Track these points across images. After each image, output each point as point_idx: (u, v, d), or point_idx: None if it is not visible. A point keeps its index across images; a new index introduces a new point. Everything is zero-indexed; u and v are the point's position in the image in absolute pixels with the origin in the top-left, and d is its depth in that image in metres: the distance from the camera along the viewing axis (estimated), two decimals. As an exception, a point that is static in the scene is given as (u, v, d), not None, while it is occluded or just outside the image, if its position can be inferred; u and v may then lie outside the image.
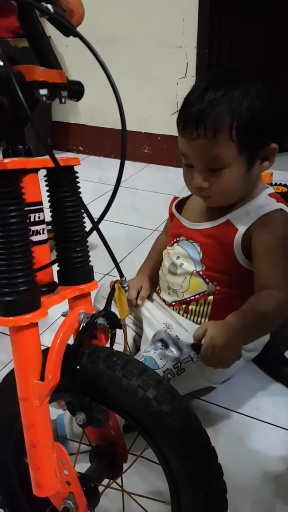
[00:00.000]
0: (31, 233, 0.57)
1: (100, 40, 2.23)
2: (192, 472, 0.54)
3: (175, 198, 1.11)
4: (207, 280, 0.99)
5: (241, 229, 0.92)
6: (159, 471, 0.59)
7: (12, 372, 0.62)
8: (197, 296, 1.00)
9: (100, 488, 0.66)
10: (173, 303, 1.05)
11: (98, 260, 0.63)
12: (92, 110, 2.53)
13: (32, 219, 0.58)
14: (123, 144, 0.55)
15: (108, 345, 0.64)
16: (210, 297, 0.99)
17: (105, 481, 0.69)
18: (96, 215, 0.57)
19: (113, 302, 0.65)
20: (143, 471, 0.85)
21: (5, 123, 0.55)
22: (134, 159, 2.52)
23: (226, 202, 0.95)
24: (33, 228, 0.58)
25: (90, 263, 0.64)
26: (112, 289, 0.66)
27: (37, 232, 0.59)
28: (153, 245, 1.23)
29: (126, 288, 0.66)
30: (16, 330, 0.55)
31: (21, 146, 0.56)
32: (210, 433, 0.59)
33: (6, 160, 0.51)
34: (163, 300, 1.08)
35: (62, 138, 2.68)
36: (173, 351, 0.96)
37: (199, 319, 1.02)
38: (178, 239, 1.04)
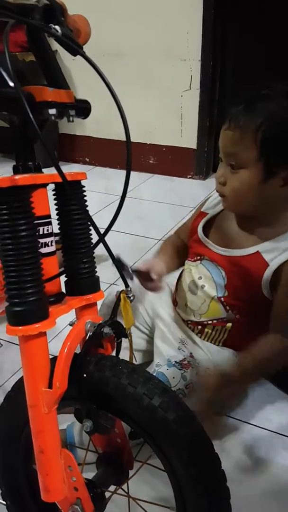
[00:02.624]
0: (40, 245, 0.59)
1: (105, 54, 2.27)
2: (196, 478, 0.56)
3: (202, 213, 1.06)
4: (228, 307, 0.97)
5: (272, 266, 0.90)
6: (164, 477, 0.60)
7: (21, 380, 0.64)
8: (214, 321, 0.99)
9: (107, 494, 0.67)
10: (189, 322, 1.04)
11: (104, 269, 0.65)
12: (98, 123, 2.57)
13: (41, 232, 0.60)
14: (128, 158, 0.57)
15: (113, 354, 0.66)
16: (229, 325, 0.98)
17: (111, 488, 0.70)
18: (102, 224, 0.59)
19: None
20: (148, 477, 0.86)
21: (16, 140, 0.58)
22: (139, 170, 2.55)
23: (237, 209, 0.94)
24: (42, 240, 0.60)
25: (96, 274, 0.66)
26: (118, 299, 0.67)
27: (46, 244, 0.61)
28: (165, 243, 1.16)
29: (132, 298, 0.68)
30: (25, 339, 0.57)
31: (30, 163, 0.58)
32: (215, 441, 0.60)
33: (17, 177, 0.53)
34: (178, 314, 1.07)
35: (68, 149, 2.72)
36: (187, 375, 0.95)
37: (214, 342, 1.02)
38: (202, 257, 1.01)
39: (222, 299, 0.97)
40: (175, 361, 0.98)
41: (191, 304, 1.02)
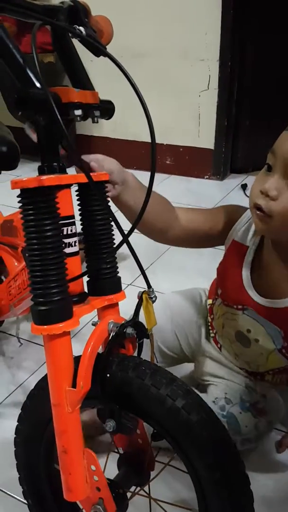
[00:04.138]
0: (64, 245, 0.59)
1: (124, 55, 2.27)
2: (220, 481, 0.55)
3: (238, 244, 0.85)
4: None
5: None
6: (185, 479, 0.60)
7: (43, 379, 0.64)
8: (276, 370, 0.89)
9: (128, 495, 0.67)
10: (244, 370, 0.93)
11: (121, 270, 0.65)
12: (115, 123, 2.57)
13: (65, 232, 0.60)
14: (152, 160, 0.57)
15: (135, 354, 0.66)
16: None
17: (131, 488, 0.70)
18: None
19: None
20: (168, 478, 0.86)
21: (41, 141, 0.58)
22: (156, 170, 2.54)
23: (281, 235, 0.76)
24: (66, 240, 0.61)
25: (118, 274, 0.67)
26: (140, 299, 0.67)
27: (70, 245, 0.62)
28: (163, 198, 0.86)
29: (154, 299, 0.67)
30: (50, 338, 0.57)
31: (55, 163, 0.59)
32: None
33: (43, 177, 0.53)
34: (228, 360, 0.96)
35: (86, 150, 2.72)
36: (261, 425, 0.88)
37: (275, 385, 0.93)
38: (244, 306, 0.85)
39: (283, 350, 0.84)
40: (250, 403, 0.89)
41: (244, 356, 0.90)
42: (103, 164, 0.69)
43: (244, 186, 2.32)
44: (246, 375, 0.94)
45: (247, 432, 0.87)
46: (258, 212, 0.73)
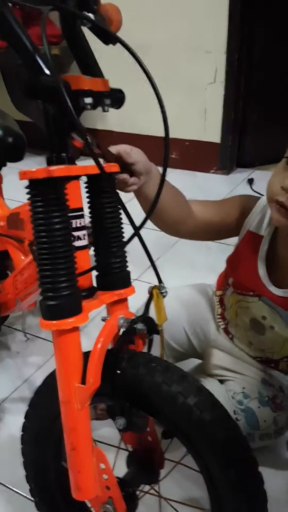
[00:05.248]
0: (72, 238, 0.58)
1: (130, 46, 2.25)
2: (234, 481, 0.54)
3: (253, 234, 0.85)
4: None
5: None
6: (195, 478, 0.59)
7: (51, 375, 0.63)
8: None
9: (137, 494, 0.66)
10: (257, 358, 0.93)
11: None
12: (120, 117, 2.55)
13: (73, 225, 0.59)
14: (165, 154, 0.56)
15: (145, 350, 0.65)
16: None
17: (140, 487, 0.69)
18: (125, 220, 0.57)
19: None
20: (178, 477, 0.84)
21: (50, 131, 0.56)
22: (161, 164, 2.52)
23: None
24: (75, 233, 0.59)
25: (128, 269, 0.65)
26: (150, 294, 0.66)
27: (78, 238, 0.60)
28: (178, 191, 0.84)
29: (164, 294, 0.66)
30: (59, 334, 0.56)
31: (64, 154, 0.57)
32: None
33: (52, 168, 0.52)
34: (238, 347, 0.95)
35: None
36: (280, 419, 0.86)
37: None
38: (258, 294, 0.85)
39: None
40: (268, 397, 0.88)
41: (259, 344, 0.90)
42: (130, 154, 0.69)
43: (250, 181, 2.30)
44: (260, 366, 0.93)
45: (266, 427, 0.87)
46: (279, 207, 0.72)
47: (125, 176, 0.70)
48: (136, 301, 0.67)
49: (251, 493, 0.55)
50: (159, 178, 0.72)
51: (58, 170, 0.52)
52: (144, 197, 0.76)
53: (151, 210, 0.57)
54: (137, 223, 0.60)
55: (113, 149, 0.67)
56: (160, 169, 0.64)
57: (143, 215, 0.63)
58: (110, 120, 2.63)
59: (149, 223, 0.65)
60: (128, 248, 0.64)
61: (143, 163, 0.71)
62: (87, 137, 0.54)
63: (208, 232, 0.89)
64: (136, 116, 2.41)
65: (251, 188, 2.24)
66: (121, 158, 0.68)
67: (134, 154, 0.70)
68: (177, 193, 0.83)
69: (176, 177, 2.81)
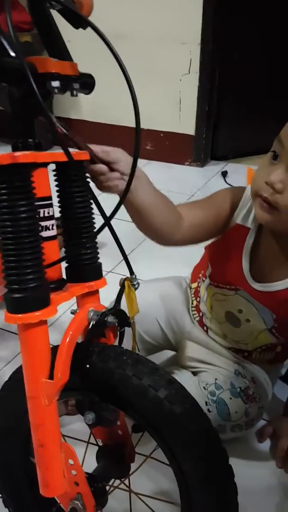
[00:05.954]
0: (40, 228, 0.56)
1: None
2: (204, 473, 0.53)
3: (240, 227, 0.83)
4: (278, 335, 0.86)
5: None
6: (165, 471, 0.58)
7: (18, 370, 0.61)
8: (263, 348, 0.90)
9: (107, 489, 0.65)
10: (232, 349, 0.94)
11: (100, 257, 0.62)
12: (94, 106, 2.51)
13: (41, 215, 0.57)
14: (136, 143, 0.54)
15: (116, 343, 0.63)
16: (279, 347, 0.90)
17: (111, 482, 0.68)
18: (98, 211, 0.55)
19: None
20: (149, 471, 0.84)
21: (15, 115, 0.54)
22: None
23: (286, 227, 0.74)
24: (43, 223, 0.57)
25: (99, 260, 0.63)
26: (122, 286, 0.64)
27: (47, 228, 0.58)
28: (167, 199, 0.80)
29: (136, 286, 0.65)
30: (25, 328, 0.54)
31: (31, 140, 0.55)
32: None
33: (17, 154, 0.49)
34: (213, 340, 0.96)
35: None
36: (251, 411, 0.87)
37: (260, 363, 0.95)
38: (236, 288, 0.85)
39: (273, 330, 0.85)
40: (240, 388, 0.89)
41: (233, 336, 0.91)
42: (109, 152, 0.66)
43: (224, 173, 2.30)
44: (234, 357, 0.94)
45: (237, 418, 0.87)
46: (263, 203, 0.71)
47: (101, 166, 0.65)
48: (110, 294, 0.66)
49: (221, 485, 0.55)
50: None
51: (24, 156, 0.50)
52: (136, 207, 0.71)
53: (124, 195, 0.55)
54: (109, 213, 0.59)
55: (92, 147, 0.64)
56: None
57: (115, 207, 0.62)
58: (83, 109, 2.58)
59: (122, 214, 0.63)
60: (103, 240, 0.62)
61: (126, 162, 0.66)
62: (54, 122, 0.51)
63: (203, 233, 0.85)
64: (109, 106, 2.37)
65: (225, 180, 2.25)
66: (98, 157, 0.64)
67: (114, 153, 0.66)
68: (166, 202, 0.79)
69: (152, 169, 2.78)
